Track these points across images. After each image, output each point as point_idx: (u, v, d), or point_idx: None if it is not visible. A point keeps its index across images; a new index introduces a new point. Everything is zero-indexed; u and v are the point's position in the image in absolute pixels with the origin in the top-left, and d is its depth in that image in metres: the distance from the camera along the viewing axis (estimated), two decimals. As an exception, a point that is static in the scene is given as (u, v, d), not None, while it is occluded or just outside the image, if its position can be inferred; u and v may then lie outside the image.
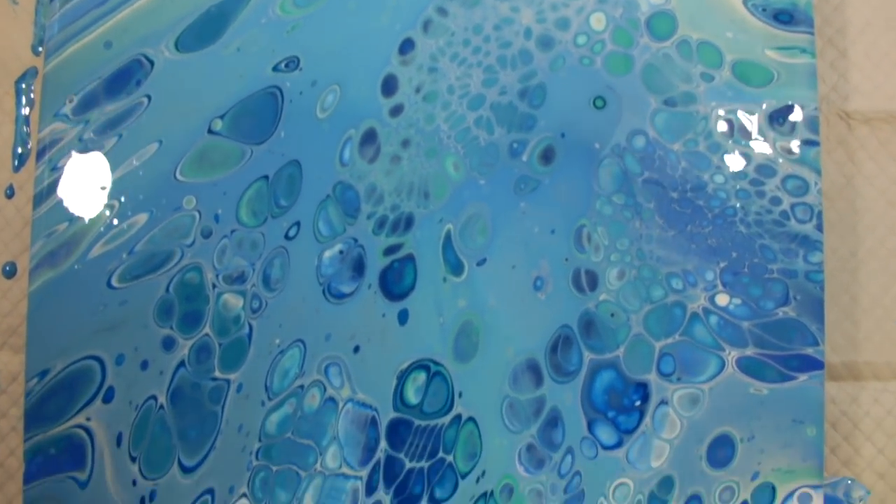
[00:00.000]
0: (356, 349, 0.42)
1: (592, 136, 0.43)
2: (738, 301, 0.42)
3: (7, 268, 0.46)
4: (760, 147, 0.42)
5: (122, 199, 0.43)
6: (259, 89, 0.43)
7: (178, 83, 0.43)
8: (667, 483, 0.41)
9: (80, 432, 0.42)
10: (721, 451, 0.41)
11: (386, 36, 0.43)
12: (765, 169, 0.42)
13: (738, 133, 0.42)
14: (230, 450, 0.42)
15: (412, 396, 0.42)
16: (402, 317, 0.42)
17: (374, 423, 0.42)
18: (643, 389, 0.42)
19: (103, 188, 0.43)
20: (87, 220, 0.43)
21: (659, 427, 0.42)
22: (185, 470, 0.42)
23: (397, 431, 0.42)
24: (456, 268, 0.42)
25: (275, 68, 0.43)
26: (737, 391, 0.41)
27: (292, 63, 0.43)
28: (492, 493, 0.41)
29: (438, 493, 0.42)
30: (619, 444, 0.42)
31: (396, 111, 0.43)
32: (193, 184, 0.43)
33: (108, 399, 0.42)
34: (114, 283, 0.42)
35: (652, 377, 0.42)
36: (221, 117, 0.43)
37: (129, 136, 0.43)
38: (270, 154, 0.43)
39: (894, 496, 0.45)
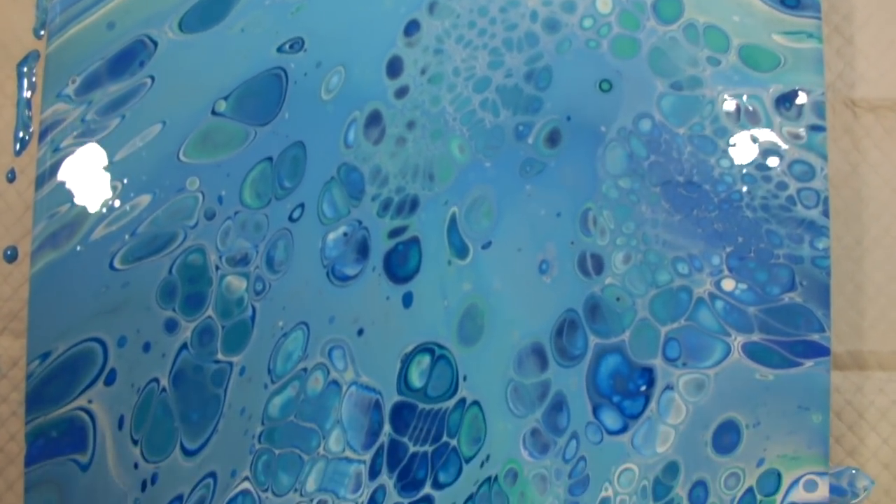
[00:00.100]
0: (360, 332, 0.42)
1: (598, 119, 0.42)
2: (744, 286, 0.41)
3: (8, 252, 0.46)
4: (767, 132, 0.42)
5: (125, 181, 0.42)
6: (263, 70, 0.43)
7: (181, 64, 0.43)
8: (672, 469, 0.41)
9: (81, 415, 0.42)
10: (727, 437, 0.41)
11: (391, 17, 0.43)
12: (771, 154, 0.42)
13: (745, 117, 0.42)
14: (232, 433, 0.42)
15: (416, 380, 0.42)
16: (407, 300, 0.42)
17: (377, 406, 0.42)
18: (649, 374, 0.41)
19: (106, 169, 0.43)
20: (89, 202, 0.42)
21: (664, 412, 0.41)
22: (187, 453, 0.41)
23: (401, 415, 0.41)
24: (461, 251, 0.42)
25: (279, 49, 0.43)
26: (742, 377, 0.41)
27: (297, 44, 0.43)
28: (496, 477, 0.41)
29: (442, 478, 0.41)
30: (624, 430, 0.41)
31: (402, 93, 0.43)
32: (197, 165, 0.42)
33: (109, 381, 0.42)
34: (116, 264, 0.42)
35: (657, 362, 0.41)
36: (225, 98, 0.43)
37: (132, 118, 0.43)
38: (274, 135, 0.43)
39: (900, 484, 0.45)
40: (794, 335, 0.41)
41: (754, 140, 0.42)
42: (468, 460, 0.41)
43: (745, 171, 0.42)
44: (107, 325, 0.42)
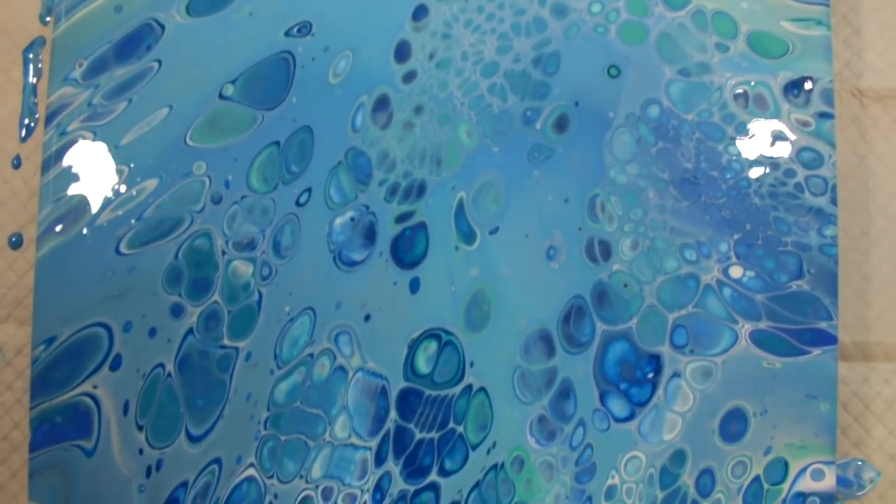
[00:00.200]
0: (367, 318, 0.42)
1: (606, 104, 0.42)
2: (751, 273, 0.41)
3: (13, 239, 0.46)
4: (775, 119, 0.42)
5: (132, 165, 0.42)
6: (271, 54, 0.43)
7: (188, 48, 0.43)
8: (679, 457, 0.41)
9: (86, 400, 0.41)
10: (734, 425, 0.41)
11: (399, 2, 0.43)
12: (779, 141, 0.42)
13: (753, 104, 0.42)
14: (238, 419, 0.41)
15: (423, 366, 0.41)
16: (414, 285, 0.42)
17: (384, 392, 0.41)
18: (656, 361, 0.41)
19: (112, 153, 0.42)
20: (95, 186, 0.42)
21: (671, 400, 0.41)
22: (193, 439, 0.41)
23: (407, 401, 0.41)
24: (468, 236, 0.42)
25: (287, 33, 0.43)
26: (750, 364, 0.41)
27: (305, 28, 0.43)
28: (502, 464, 0.41)
29: (448, 465, 0.41)
30: (631, 417, 0.41)
31: (409, 77, 0.43)
32: (204, 149, 0.42)
33: (115, 367, 0.42)
34: (122, 249, 0.42)
35: (665, 349, 0.41)
36: (233, 82, 0.43)
37: (138, 101, 0.43)
38: (282, 119, 0.42)
39: (907, 474, 0.44)
40: (802, 323, 0.41)
41: (762, 127, 0.42)
42: (474, 447, 0.41)
43: (753, 158, 0.42)
44: (112, 309, 0.42)
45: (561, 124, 0.42)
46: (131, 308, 0.42)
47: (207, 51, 0.43)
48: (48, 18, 0.47)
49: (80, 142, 0.42)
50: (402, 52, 0.43)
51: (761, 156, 0.42)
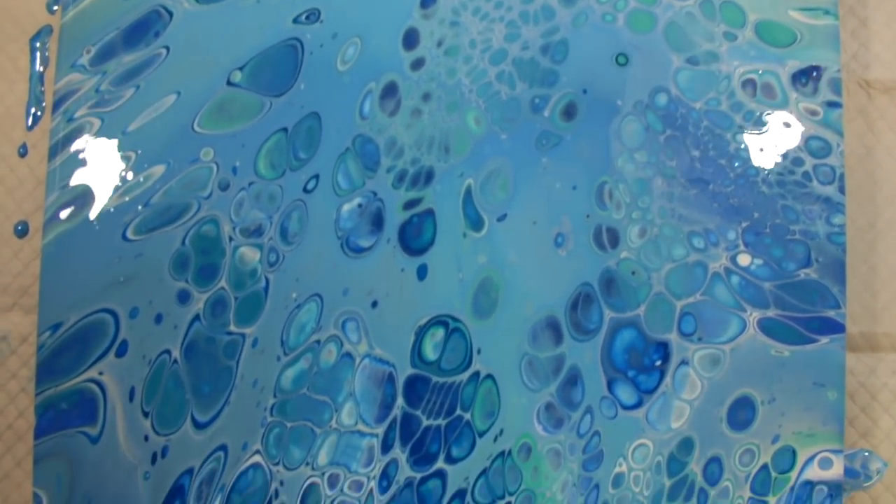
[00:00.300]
0: (374, 304, 0.41)
1: (614, 92, 0.42)
2: (759, 261, 0.41)
3: (19, 227, 0.46)
4: (783, 107, 0.42)
5: (139, 151, 0.42)
6: (279, 41, 0.43)
7: (197, 34, 0.43)
8: (687, 444, 0.41)
9: (92, 387, 0.41)
10: (742, 413, 0.41)
11: (408, -11, 0.43)
12: (787, 129, 0.42)
13: (761, 93, 0.42)
14: (244, 405, 0.41)
15: (430, 353, 0.41)
16: (421, 272, 0.42)
17: (390, 379, 0.41)
18: (664, 349, 0.41)
19: (120, 140, 0.42)
20: (102, 172, 0.42)
21: (679, 387, 0.41)
22: (198, 426, 0.41)
23: (414, 388, 0.41)
24: (476, 223, 0.42)
25: (295, 20, 0.43)
26: (758, 352, 0.41)
27: (313, 15, 0.43)
28: (509, 452, 0.41)
29: (455, 452, 0.41)
30: (638, 404, 0.41)
31: (417, 65, 0.43)
32: (211, 135, 0.42)
33: (121, 353, 0.41)
34: (129, 235, 0.42)
35: (673, 336, 0.41)
36: (241, 69, 0.43)
37: (146, 88, 0.43)
38: (290, 106, 0.42)
39: (914, 465, 0.44)
40: (810, 311, 0.41)
41: (770, 116, 0.42)
42: (482, 434, 0.41)
43: (761, 146, 0.42)
44: (119, 296, 0.42)
45: (569, 112, 0.42)
46: (138, 294, 0.42)
47: (215, 37, 0.43)
48: (55, 7, 0.47)
49: (88, 128, 0.42)
50: (411, 39, 0.43)
51: (769, 144, 0.42)
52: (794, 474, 0.41)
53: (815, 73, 0.42)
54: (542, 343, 0.41)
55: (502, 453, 0.41)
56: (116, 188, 0.42)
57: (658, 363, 0.41)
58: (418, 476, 0.41)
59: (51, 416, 0.41)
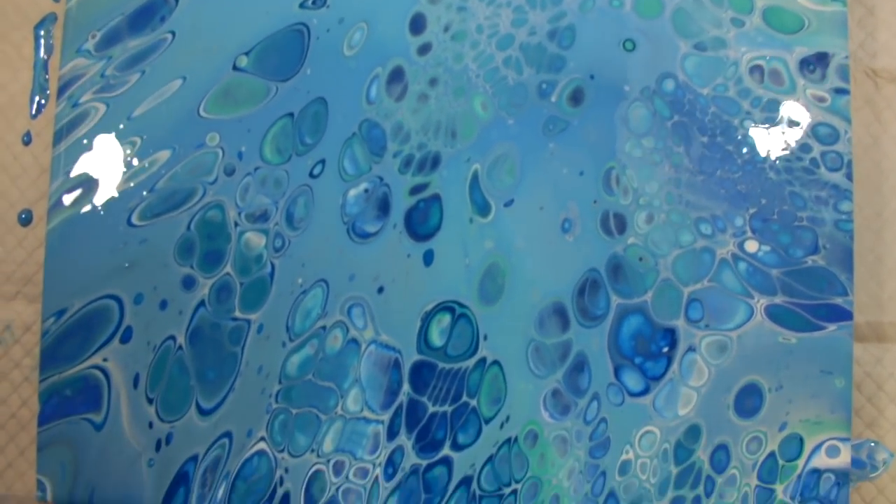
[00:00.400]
0: (380, 290, 0.41)
1: (622, 78, 0.42)
2: (767, 248, 0.41)
3: (23, 215, 0.46)
4: (790, 94, 0.42)
5: (144, 136, 0.42)
6: (285, 26, 0.43)
7: (202, 19, 0.43)
8: (694, 432, 0.41)
9: (96, 373, 0.41)
10: (749, 401, 0.41)
11: (415, -26, 0.43)
12: (794, 116, 0.42)
13: (769, 79, 0.42)
14: (249, 392, 0.41)
15: (436, 339, 0.41)
16: (428, 257, 0.41)
17: (396, 365, 0.41)
18: (671, 335, 0.41)
19: (125, 125, 0.42)
20: (107, 157, 0.42)
21: (686, 374, 0.41)
22: (203, 412, 0.41)
23: (420, 374, 0.41)
24: (483, 208, 0.42)
25: (301, 5, 0.43)
26: (765, 339, 0.41)
27: (319, 0, 0.43)
28: (516, 438, 0.41)
29: (461, 439, 0.41)
30: (645, 391, 0.41)
31: (424, 50, 0.43)
32: (217, 120, 0.42)
33: (125, 339, 0.41)
34: (134, 220, 0.42)
35: (680, 323, 0.41)
36: (247, 54, 0.43)
37: (152, 73, 0.42)
38: (296, 91, 0.42)
39: (921, 455, 0.44)
40: (818, 298, 0.41)
41: (778, 102, 0.42)
42: (488, 421, 0.41)
43: (768, 132, 0.42)
44: (123, 281, 0.41)
45: (576, 97, 0.42)
46: (142, 280, 0.41)
47: (221, 22, 0.43)
48: (60, -5, 0.47)
49: (93, 113, 0.42)
50: (417, 24, 0.43)
51: (777, 130, 0.42)
52: (801, 462, 0.40)
53: (822, 59, 0.42)
54: (549, 329, 0.41)
55: (508, 440, 0.41)
56: (121, 174, 0.42)
57: (665, 350, 0.41)
58: (424, 463, 0.41)
59: (55, 402, 0.41)
